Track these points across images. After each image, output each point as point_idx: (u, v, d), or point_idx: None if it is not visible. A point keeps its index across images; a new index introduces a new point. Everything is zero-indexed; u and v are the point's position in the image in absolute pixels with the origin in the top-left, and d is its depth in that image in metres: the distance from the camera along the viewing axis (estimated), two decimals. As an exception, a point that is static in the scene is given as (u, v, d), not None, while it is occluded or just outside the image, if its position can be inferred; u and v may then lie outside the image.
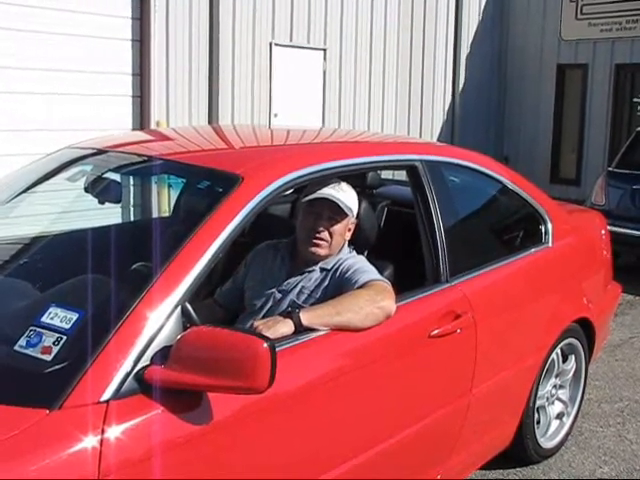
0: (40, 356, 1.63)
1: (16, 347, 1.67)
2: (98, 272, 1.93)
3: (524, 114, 10.82)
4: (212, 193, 2.08)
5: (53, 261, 2.28)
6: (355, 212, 2.36)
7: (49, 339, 1.66)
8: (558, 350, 3.05)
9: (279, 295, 2.29)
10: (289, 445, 1.87)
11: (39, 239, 2.54)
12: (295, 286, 2.30)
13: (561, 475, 3.02)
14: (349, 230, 2.37)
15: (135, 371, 1.61)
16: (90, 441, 1.50)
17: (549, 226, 3.05)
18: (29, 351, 1.65)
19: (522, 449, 2.96)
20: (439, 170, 2.61)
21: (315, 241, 2.30)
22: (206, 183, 2.16)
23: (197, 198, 2.14)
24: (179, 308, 1.72)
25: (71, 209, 2.91)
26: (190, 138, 2.73)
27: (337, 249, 2.34)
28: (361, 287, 2.16)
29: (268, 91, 7.96)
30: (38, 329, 1.68)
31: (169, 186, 5.66)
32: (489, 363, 2.57)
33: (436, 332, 2.29)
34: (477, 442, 2.63)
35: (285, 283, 2.31)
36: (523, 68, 10.86)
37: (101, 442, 1.51)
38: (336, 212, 2.28)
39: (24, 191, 2.45)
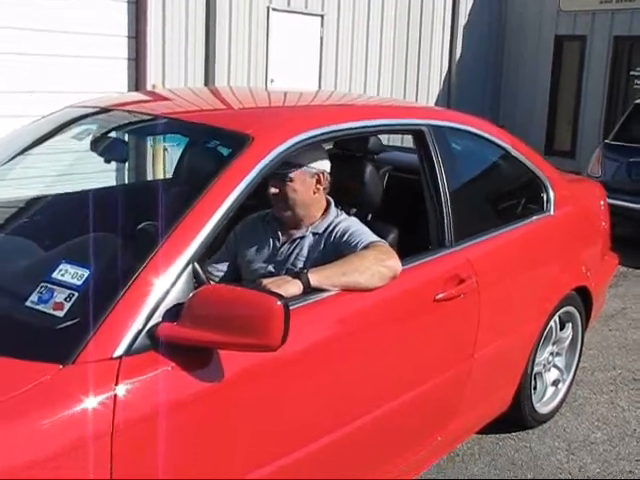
0: (52, 312, 1.63)
1: (27, 303, 1.66)
2: (106, 231, 1.93)
3: (521, 85, 10.79)
4: (221, 153, 2.06)
5: (59, 220, 2.27)
6: (316, 167, 2.25)
7: (60, 295, 1.65)
8: (556, 318, 3.08)
9: (275, 266, 2.26)
10: (296, 404, 1.88)
11: (42, 199, 2.52)
12: (290, 254, 2.28)
13: (555, 440, 3.07)
14: (316, 186, 2.26)
15: (147, 328, 1.61)
16: (103, 396, 1.50)
17: (551, 194, 3.06)
18: (41, 307, 1.65)
19: (519, 414, 3.01)
20: (444, 135, 2.60)
21: (274, 203, 2.27)
22: (215, 143, 2.14)
23: (205, 158, 2.11)
24: (189, 267, 1.72)
25: (71, 171, 2.89)
26: (193, 99, 2.70)
27: (311, 206, 2.28)
28: (364, 249, 2.17)
29: (265, 56, 7.88)
30: (49, 285, 1.68)
31: (164, 150, 5.62)
32: (491, 328, 2.59)
33: (441, 296, 2.31)
34: (477, 406, 2.67)
35: (279, 252, 2.29)
36: (521, 39, 10.80)
37: (114, 397, 1.51)
38: (282, 169, 2.15)
39: (24, 151, 2.43)
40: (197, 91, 3.06)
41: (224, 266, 2.36)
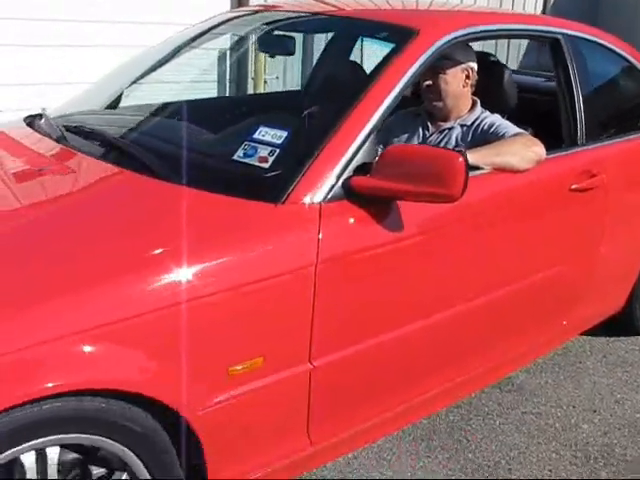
0: (258, 164, 1.89)
1: (234, 157, 1.93)
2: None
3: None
4: (389, 45, 2.27)
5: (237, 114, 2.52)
6: (465, 62, 2.44)
7: (264, 151, 1.91)
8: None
9: None
10: (460, 261, 2.12)
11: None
12: (438, 143, 2.48)
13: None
14: (465, 80, 2.46)
15: (341, 180, 1.85)
16: (310, 232, 1.76)
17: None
18: (247, 160, 1.91)
19: (629, 316, 3.17)
20: (577, 44, 2.75)
21: (426, 94, 2.46)
22: (382, 35, 2.35)
23: (373, 50, 2.33)
24: (373, 134, 1.95)
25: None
26: (349, 1, 2.89)
27: (460, 99, 2.48)
28: (511, 137, 2.36)
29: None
30: (252, 144, 1.94)
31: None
32: (615, 227, 2.76)
33: (575, 186, 2.49)
34: (598, 299, 2.85)
35: (428, 142, 2.50)
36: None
37: (318, 233, 1.77)
38: (437, 63, 2.33)
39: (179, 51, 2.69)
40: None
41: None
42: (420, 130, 2.55)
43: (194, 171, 1.86)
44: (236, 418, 1.70)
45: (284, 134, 1.93)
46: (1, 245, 1.63)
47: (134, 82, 2.67)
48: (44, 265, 1.53)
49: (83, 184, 1.99)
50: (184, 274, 1.56)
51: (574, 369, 3.01)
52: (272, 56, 2.55)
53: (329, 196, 1.83)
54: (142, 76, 2.64)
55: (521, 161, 2.25)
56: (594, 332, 3.13)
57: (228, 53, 3.70)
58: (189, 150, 1.95)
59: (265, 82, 5.45)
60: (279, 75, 5.69)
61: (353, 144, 1.89)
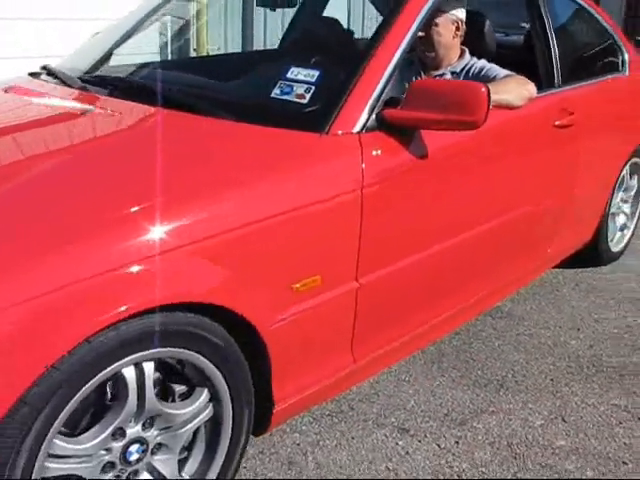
0: (296, 100, 2.01)
1: (272, 95, 2.04)
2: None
3: None
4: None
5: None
6: (455, 15, 2.60)
7: (300, 89, 2.03)
8: (627, 167, 3.52)
9: None
10: (472, 189, 2.31)
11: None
12: None
13: (626, 273, 3.54)
14: (455, 32, 2.62)
15: (374, 113, 1.99)
16: (354, 159, 1.90)
17: (626, 57, 3.46)
18: (285, 97, 2.03)
19: (596, 249, 3.47)
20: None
21: (419, 45, 2.62)
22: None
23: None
24: (396, 71, 2.10)
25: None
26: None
27: (450, 50, 2.65)
28: (503, 78, 2.56)
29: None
30: (287, 82, 2.05)
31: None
32: (587, 164, 3.01)
33: (558, 123, 2.72)
34: (574, 230, 3.13)
35: None
36: None
37: (361, 160, 1.91)
38: (430, 15, 2.41)
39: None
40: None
41: None
42: (413, 78, 2.71)
43: (238, 108, 1.97)
44: (297, 334, 1.84)
45: (316, 73, 2.05)
46: (84, 171, 1.71)
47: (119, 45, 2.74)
48: (141, 184, 1.63)
49: (137, 122, 2.07)
50: (254, 196, 1.69)
51: (552, 297, 3.28)
52: (273, 10, 2.65)
53: (365, 127, 1.97)
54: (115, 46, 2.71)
55: (517, 98, 2.44)
56: (564, 266, 3.41)
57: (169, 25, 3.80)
58: (227, 91, 2.05)
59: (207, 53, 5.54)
60: (220, 46, 5.78)
61: (381, 80, 2.04)
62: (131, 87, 2.16)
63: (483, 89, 1.96)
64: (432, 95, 1.99)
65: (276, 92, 2.04)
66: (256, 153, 1.83)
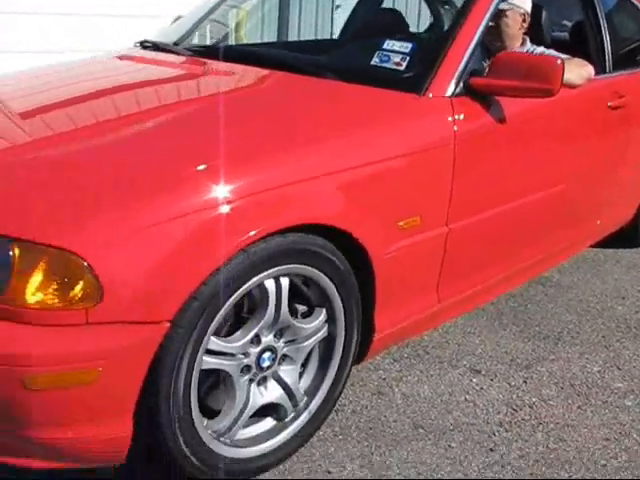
0: (395, 67, 2.28)
1: (372, 63, 2.31)
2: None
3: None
4: None
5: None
6: (523, 8, 2.85)
7: (396, 57, 2.30)
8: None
9: None
10: (538, 154, 2.57)
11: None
12: None
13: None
14: (522, 23, 2.86)
15: (462, 80, 2.26)
16: (448, 117, 2.17)
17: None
18: (385, 65, 2.29)
19: (636, 228, 3.71)
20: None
21: (487, 35, 2.74)
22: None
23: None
24: (479, 47, 2.37)
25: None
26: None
27: (515, 39, 2.88)
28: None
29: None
30: (384, 52, 2.32)
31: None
32: (634, 143, 3.27)
33: (611, 104, 2.98)
34: (619, 207, 3.38)
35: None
36: None
37: (453, 119, 2.17)
38: (501, 7, 2.70)
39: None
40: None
41: None
42: (478, 62, 2.97)
43: (345, 71, 2.25)
44: (398, 269, 2.09)
45: (410, 45, 2.32)
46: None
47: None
48: (275, 127, 1.92)
49: (258, 80, 2.36)
50: (369, 140, 1.96)
51: (596, 271, 3.52)
52: None
53: (454, 93, 2.24)
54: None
55: (577, 77, 2.71)
56: (604, 245, 3.66)
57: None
58: (332, 59, 2.32)
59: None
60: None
61: (467, 52, 2.30)
62: (243, 53, 2.43)
63: (559, 61, 2.22)
64: (514, 66, 2.25)
65: (375, 60, 2.31)
66: (367, 107, 2.10)
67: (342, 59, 2.48)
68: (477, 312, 2.92)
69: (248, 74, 2.35)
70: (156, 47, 2.76)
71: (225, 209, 1.64)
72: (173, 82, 2.35)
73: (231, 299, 1.67)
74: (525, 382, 2.47)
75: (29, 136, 1.96)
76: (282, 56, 2.35)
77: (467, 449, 2.10)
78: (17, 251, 1.48)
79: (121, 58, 2.66)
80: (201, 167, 1.69)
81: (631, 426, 2.26)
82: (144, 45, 2.81)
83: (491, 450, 2.10)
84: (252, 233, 1.66)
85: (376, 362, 2.51)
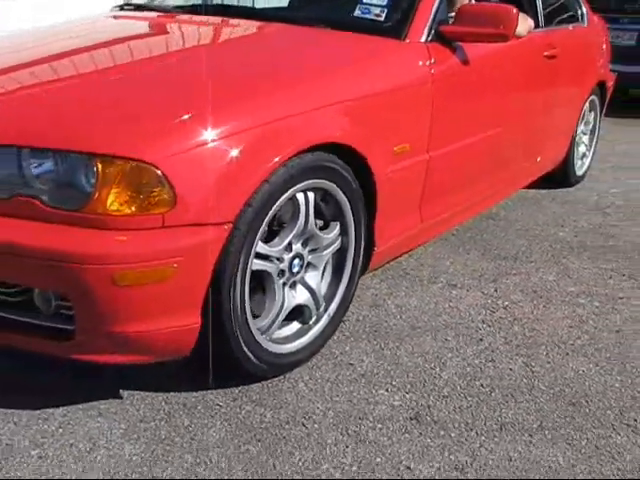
0: (375, 18, 2.59)
1: (355, 14, 2.62)
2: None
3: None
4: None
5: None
6: None
7: (375, 10, 2.61)
8: (587, 103, 4.26)
9: None
10: (488, 95, 2.96)
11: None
12: None
13: (588, 192, 4.28)
14: None
15: (434, 29, 2.60)
16: (427, 58, 2.51)
17: (584, 10, 4.21)
18: (366, 16, 2.60)
19: (565, 170, 4.20)
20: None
21: None
22: None
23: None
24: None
25: None
26: None
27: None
28: None
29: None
30: (364, 6, 2.63)
31: None
32: (563, 92, 3.73)
33: (546, 53, 3.41)
34: (554, 147, 3.85)
35: None
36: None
37: (430, 60, 2.52)
38: None
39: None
40: None
41: None
42: (444, 14, 3.31)
43: (332, 21, 2.55)
44: (392, 189, 2.41)
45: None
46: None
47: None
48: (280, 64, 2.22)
49: (259, 30, 2.62)
50: (362, 75, 2.28)
51: (536, 207, 3.98)
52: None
53: (429, 38, 2.58)
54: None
55: (522, 29, 3.10)
56: (540, 187, 4.13)
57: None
58: (317, 10, 2.63)
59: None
60: None
61: (435, 4, 2.65)
62: (232, 9, 2.70)
63: (515, 10, 2.61)
64: (476, 15, 2.62)
65: (357, 13, 2.62)
66: (357, 48, 2.43)
67: (326, 12, 2.78)
68: (442, 242, 3.31)
69: (243, 25, 2.62)
70: (139, 8, 2.97)
71: (269, 129, 1.93)
72: (176, 33, 2.59)
73: (275, 206, 1.96)
74: (495, 291, 2.86)
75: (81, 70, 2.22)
76: (270, 10, 2.62)
77: (461, 341, 2.46)
78: (100, 166, 1.71)
79: (115, 17, 2.86)
80: (245, 93, 1.99)
81: (587, 316, 2.69)
82: (125, 7, 3.02)
83: (480, 340, 2.47)
84: (289, 150, 1.94)
85: (366, 283, 2.83)
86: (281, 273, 2.11)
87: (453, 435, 1.96)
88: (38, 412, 1.96)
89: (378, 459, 1.84)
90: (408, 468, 1.82)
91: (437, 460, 1.85)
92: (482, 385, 2.20)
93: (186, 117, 1.83)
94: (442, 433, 1.96)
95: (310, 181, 2.06)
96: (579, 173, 4.41)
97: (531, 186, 3.98)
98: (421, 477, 1.78)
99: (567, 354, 2.41)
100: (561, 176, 4.23)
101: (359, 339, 2.43)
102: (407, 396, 2.12)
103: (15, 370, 2.16)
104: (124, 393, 2.06)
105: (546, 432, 1.99)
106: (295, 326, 2.24)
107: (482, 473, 1.81)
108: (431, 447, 1.90)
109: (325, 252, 2.24)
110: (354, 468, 1.81)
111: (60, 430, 1.90)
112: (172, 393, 2.07)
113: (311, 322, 2.25)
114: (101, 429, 1.91)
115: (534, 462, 1.87)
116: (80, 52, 2.33)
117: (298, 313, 2.23)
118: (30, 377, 2.11)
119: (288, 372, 2.19)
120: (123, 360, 1.86)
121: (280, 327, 2.17)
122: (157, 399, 2.04)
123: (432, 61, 2.53)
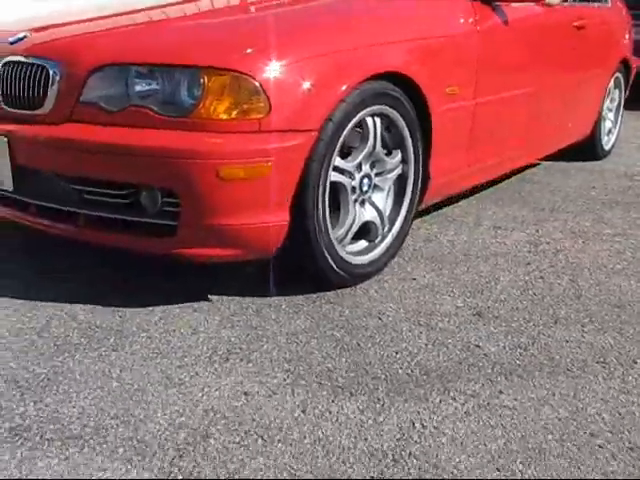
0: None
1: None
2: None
3: None
4: None
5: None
6: None
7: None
8: (612, 80, 4.50)
9: None
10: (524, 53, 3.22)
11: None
12: None
13: (617, 165, 4.51)
14: None
15: (478, -14, 2.87)
16: (471, 15, 2.77)
17: (608, -11, 4.49)
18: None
19: (593, 143, 4.43)
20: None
21: None
22: None
23: None
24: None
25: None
26: None
27: None
28: None
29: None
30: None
31: None
32: (593, 64, 3.98)
33: (576, 24, 3.67)
34: (584, 117, 4.09)
35: None
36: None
37: (474, 17, 2.78)
38: None
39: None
40: None
41: None
42: None
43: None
44: (445, 127, 2.65)
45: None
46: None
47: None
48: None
49: None
50: (421, 21, 2.53)
51: (565, 175, 4.20)
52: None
53: (472, -2, 2.86)
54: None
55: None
56: (569, 159, 4.37)
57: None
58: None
59: None
60: None
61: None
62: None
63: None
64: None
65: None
66: (418, 4, 2.70)
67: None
68: (482, 197, 3.54)
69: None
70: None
71: (345, 56, 2.19)
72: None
73: (350, 123, 2.20)
74: (537, 231, 3.09)
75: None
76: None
77: (510, 264, 2.68)
78: (206, 77, 1.97)
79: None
80: (325, 26, 2.27)
81: (624, 249, 2.91)
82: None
83: (528, 264, 2.70)
84: (361, 74, 2.20)
85: (416, 224, 3.06)
86: (353, 190, 2.35)
87: (514, 325, 2.18)
88: (139, 309, 2.20)
89: (449, 340, 2.07)
90: (477, 346, 2.04)
91: (502, 341, 2.07)
92: (534, 294, 2.42)
93: (278, 40, 2.09)
94: (504, 324, 2.18)
95: (377, 107, 2.30)
96: (606, 147, 4.64)
97: (560, 158, 4.23)
98: (489, 354, 2.00)
99: (609, 275, 2.62)
100: (590, 148, 4.46)
101: (419, 262, 2.66)
102: (468, 300, 2.34)
103: (112, 275, 2.40)
104: (212, 297, 2.30)
105: (596, 324, 2.21)
106: (363, 244, 2.47)
107: (542, 351, 2.02)
108: (495, 333, 2.12)
109: (389, 175, 2.48)
110: (429, 346, 2.03)
111: (162, 321, 2.13)
112: (256, 298, 2.30)
113: (377, 240, 2.48)
114: (198, 320, 2.14)
115: (588, 344, 2.08)
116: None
117: (365, 233, 2.47)
118: (126, 280, 2.36)
119: (360, 283, 2.42)
120: (219, 254, 2.09)
121: (351, 242, 2.41)
122: (244, 300, 2.28)
123: (477, 17, 2.79)
